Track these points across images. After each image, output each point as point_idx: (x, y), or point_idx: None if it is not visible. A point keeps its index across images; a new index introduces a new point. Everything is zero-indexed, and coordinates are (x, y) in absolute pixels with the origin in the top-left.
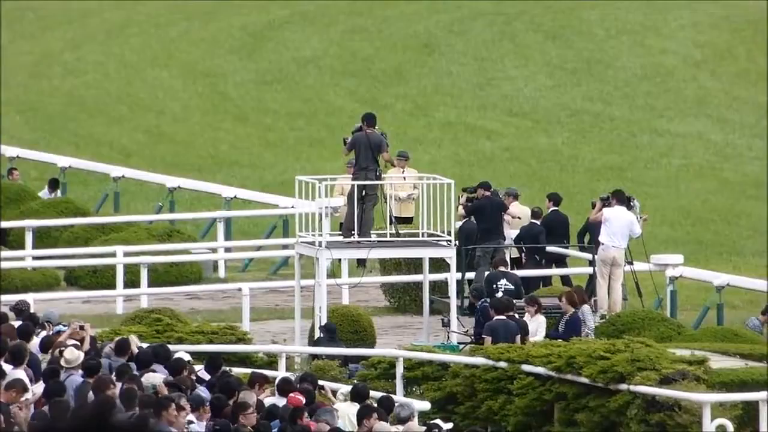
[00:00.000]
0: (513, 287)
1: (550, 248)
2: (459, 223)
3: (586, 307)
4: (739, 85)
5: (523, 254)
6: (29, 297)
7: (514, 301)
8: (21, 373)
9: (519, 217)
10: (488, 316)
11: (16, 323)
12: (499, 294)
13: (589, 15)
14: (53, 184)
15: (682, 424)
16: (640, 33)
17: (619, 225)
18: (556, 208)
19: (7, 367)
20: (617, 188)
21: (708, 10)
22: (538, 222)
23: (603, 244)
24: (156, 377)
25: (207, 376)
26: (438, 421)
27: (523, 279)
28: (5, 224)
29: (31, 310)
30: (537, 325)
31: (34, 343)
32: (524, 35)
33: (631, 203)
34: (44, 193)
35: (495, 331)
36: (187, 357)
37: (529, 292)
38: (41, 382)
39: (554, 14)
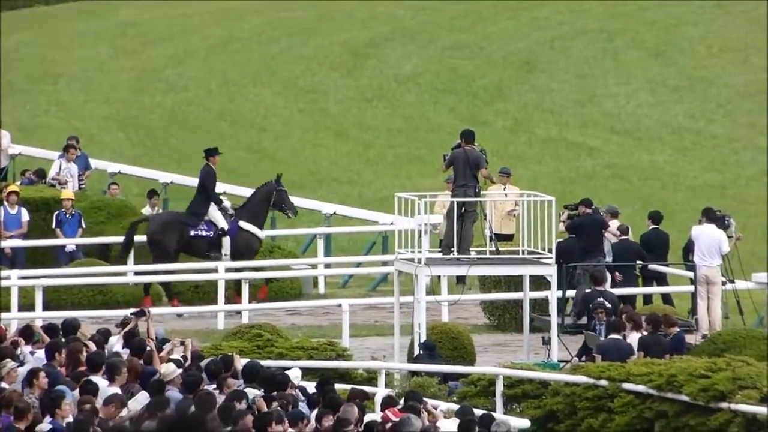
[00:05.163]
0: (611, 306)
1: (651, 266)
2: (559, 240)
3: None
4: None
5: (616, 272)
6: (128, 311)
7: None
8: (117, 389)
9: (620, 235)
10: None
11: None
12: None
13: (691, 32)
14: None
15: None
16: (742, 51)
17: (706, 243)
18: (656, 226)
19: (103, 383)
20: (707, 206)
21: None
22: (629, 237)
23: (695, 263)
24: (255, 392)
25: (313, 392)
26: None
27: (622, 297)
28: (108, 240)
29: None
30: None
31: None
32: (626, 52)
33: (726, 221)
34: (147, 210)
35: (606, 351)
36: (297, 374)
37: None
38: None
39: (656, 31)
